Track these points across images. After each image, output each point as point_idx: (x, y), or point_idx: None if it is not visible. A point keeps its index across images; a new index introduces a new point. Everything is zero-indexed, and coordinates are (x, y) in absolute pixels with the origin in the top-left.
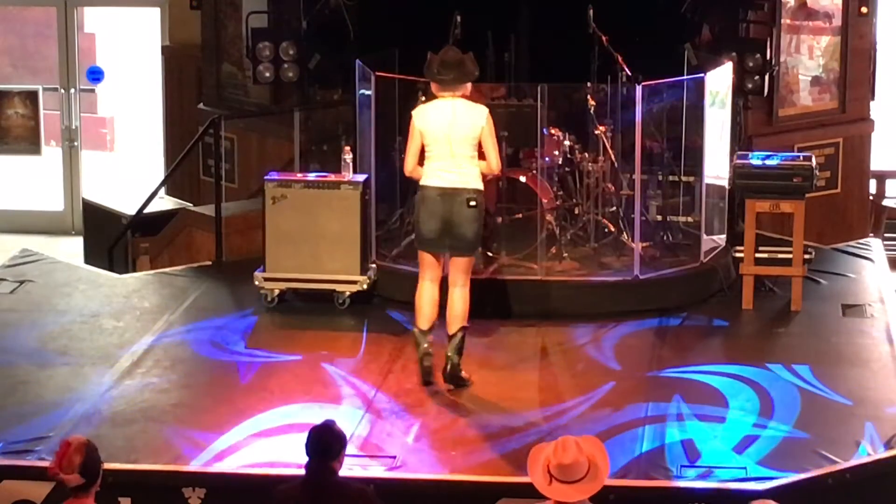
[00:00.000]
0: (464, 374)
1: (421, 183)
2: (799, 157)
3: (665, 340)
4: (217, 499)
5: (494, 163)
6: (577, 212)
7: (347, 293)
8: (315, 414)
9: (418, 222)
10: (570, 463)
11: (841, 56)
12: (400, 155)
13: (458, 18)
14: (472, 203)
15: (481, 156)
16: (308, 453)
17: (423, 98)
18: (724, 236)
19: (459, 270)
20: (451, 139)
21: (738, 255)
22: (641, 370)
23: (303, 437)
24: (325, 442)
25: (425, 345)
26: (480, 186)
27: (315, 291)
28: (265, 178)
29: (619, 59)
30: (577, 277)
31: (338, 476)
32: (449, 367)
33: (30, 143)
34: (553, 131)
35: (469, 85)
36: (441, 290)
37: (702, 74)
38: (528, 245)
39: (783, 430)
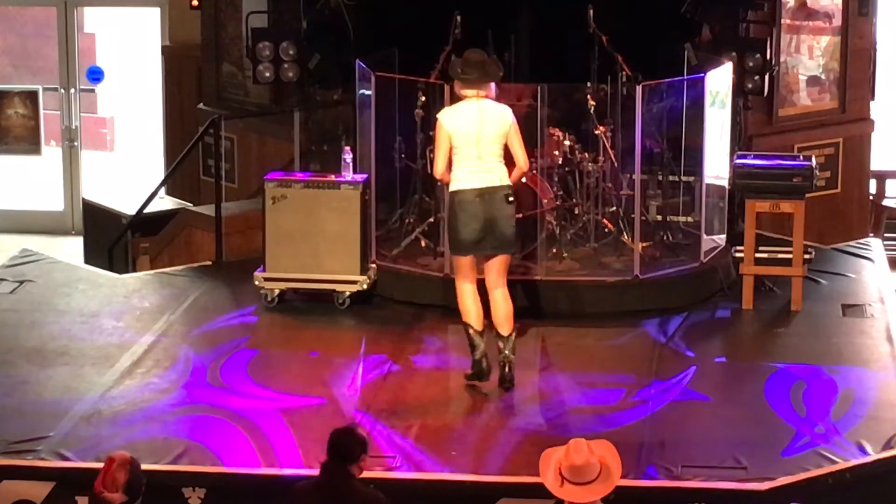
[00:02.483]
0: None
1: (454, 188)
2: (797, 157)
3: (666, 341)
4: (217, 499)
5: (523, 160)
6: (577, 212)
7: (347, 293)
8: (314, 413)
9: (457, 228)
10: (582, 464)
11: (841, 56)
12: (401, 155)
13: (458, 18)
14: (511, 199)
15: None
16: (327, 453)
17: (423, 98)
18: (724, 236)
19: (499, 271)
20: (481, 139)
21: (738, 255)
22: (645, 373)
23: (302, 438)
24: (345, 444)
25: (483, 345)
26: (509, 182)
27: (315, 291)
28: (265, 178)
29: (620, 59)
30: (577, 277)
31: (355, 480)
32: (507, 368)
33: (30, 143)
34: (553, 131)
35: (493, 86)
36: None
37: (702, 74)
38: (528, 245)
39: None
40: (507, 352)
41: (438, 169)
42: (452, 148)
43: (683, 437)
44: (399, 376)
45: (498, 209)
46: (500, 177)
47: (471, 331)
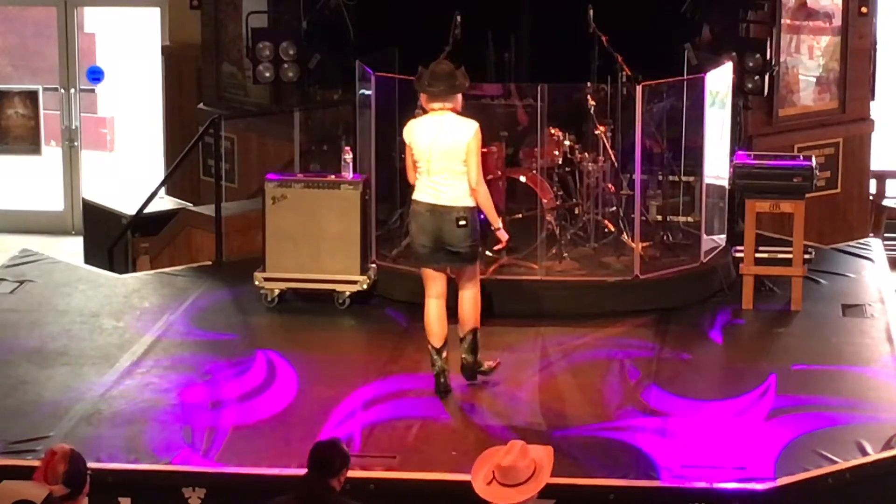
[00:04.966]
0: (486, 364)
1: (412, 196)
2: (798, 157)
3: (665, 341)
4: (217, 499)
5: (474, 179)
6: (577, 212)
7: (347, 293)
8: (314, 413)
9: (412, 237)
10: (508, 466)
11: (841, 56)
12: (400, 155)
13: (458, 18)
14: (462, 223)
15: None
16: (308, 466)
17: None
18: (724, 236)
19: (463, 278)
20: (432, 155)
21: (738, 255)
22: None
23: (301, 438)
24: (326, 457)
25: (440, 362)
26: (470, 203)
27: (315, 291)
28: (265, 178)
29: (619, 59)
30: (577, 277)
31: (335, 494)
32: (463, 367)
33: (30, 143)
34: (553, 131)
35: (460, 98)
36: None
37: (702, 74)
38: (528, 245)
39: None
40: (463, 354)
41: (409, 179)
42: (414, 160)
43: (683, 436)
44: (399, 376)
45: (447, 230)
46: (452, 196)
47: (428, 346)
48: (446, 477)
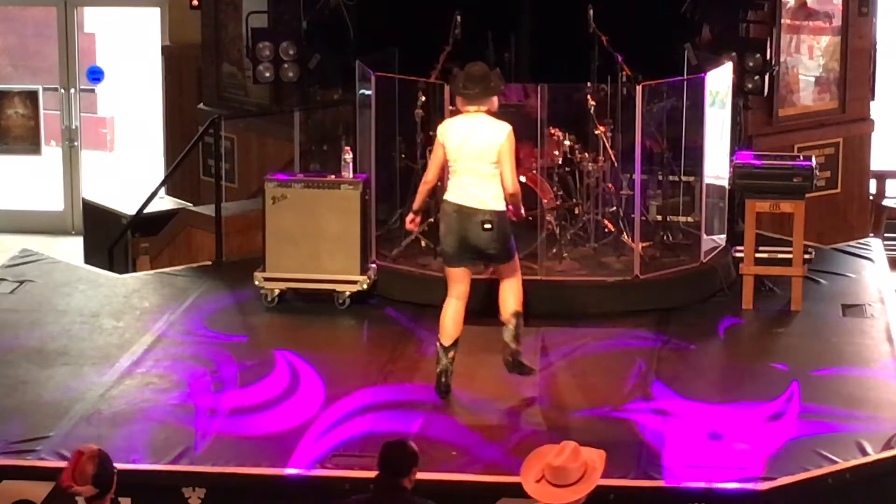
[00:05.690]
0: (525, 360)
1: (444, 198)
2: (798, 157)
3: (665, 341)
4: (217, 499)
5: (509, 182)
6: (577, 212)
7: (347, 293)
8: (314, 414)
9: (441, 236)
10: (559, 466)
11: (841, 56)
12: (401, 155)
13: (458, 18)
14: (487, 226)
15: None
16: (378, 467)
17: (424, 98)
18: (724, 236)
19: (501, 272)
20: (463, 155)
21: (738, 255)
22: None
23: (302, 438)
24: (395, 459)
25: (445, 361)
26: (498, 206)
27: (315, 291)
28: (265, 178)
29: (620, 59)
30: (577, 277)
31: (406, 493)
32: (509, 355)
33: (30, 143)
34: (553, 131)
35: (495, 101)
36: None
37: (702, 74)
38: (529, 245)
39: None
40: (506, 339)
41: (426, 175)
42: (447, 160)
43: (683, 437)
44: (399, 376)
45: (473, 232)
46: (479, 199)
47: (437, 343)
48: (446, 477)
